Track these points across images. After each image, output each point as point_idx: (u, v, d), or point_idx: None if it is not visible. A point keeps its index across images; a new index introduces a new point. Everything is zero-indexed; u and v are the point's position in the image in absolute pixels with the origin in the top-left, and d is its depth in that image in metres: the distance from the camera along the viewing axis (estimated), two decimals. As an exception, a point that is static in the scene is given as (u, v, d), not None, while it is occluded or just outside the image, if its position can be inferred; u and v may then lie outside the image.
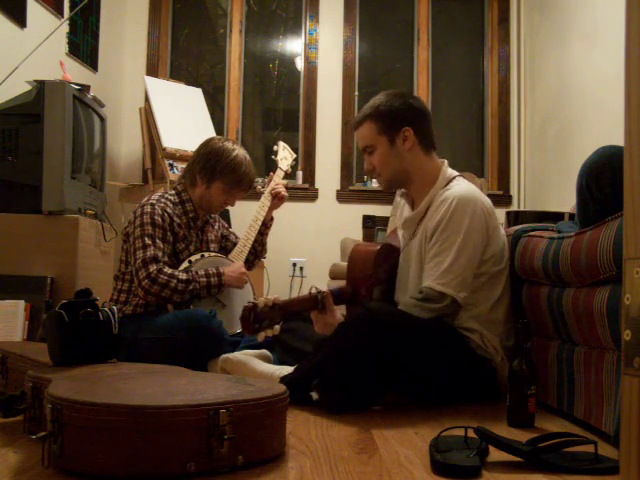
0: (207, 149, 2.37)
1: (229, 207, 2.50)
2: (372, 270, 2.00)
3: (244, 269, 2.40)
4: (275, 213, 2.59)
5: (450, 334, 1.84)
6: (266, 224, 2.55)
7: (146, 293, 2.18)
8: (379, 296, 2.03)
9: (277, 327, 1.83)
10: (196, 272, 2.26)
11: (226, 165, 2.33)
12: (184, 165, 2.51)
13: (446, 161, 2.05)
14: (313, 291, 1.93)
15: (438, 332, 1.80)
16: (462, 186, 1.93)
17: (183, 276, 2.22)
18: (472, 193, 1.90)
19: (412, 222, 2.01)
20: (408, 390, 1.84)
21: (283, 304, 1.84)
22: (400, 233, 2.14)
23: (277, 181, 2.54)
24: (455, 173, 2.01)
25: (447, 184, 1.96)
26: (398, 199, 2.22)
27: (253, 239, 2.49)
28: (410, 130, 1.96)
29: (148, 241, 2.20)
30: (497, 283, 1.93)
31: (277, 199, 2.52)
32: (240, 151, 2.37)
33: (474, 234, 1.84)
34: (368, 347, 1.69)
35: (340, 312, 1.96)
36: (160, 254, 2.21)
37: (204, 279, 2.25)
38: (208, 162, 2.33)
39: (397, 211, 2.23)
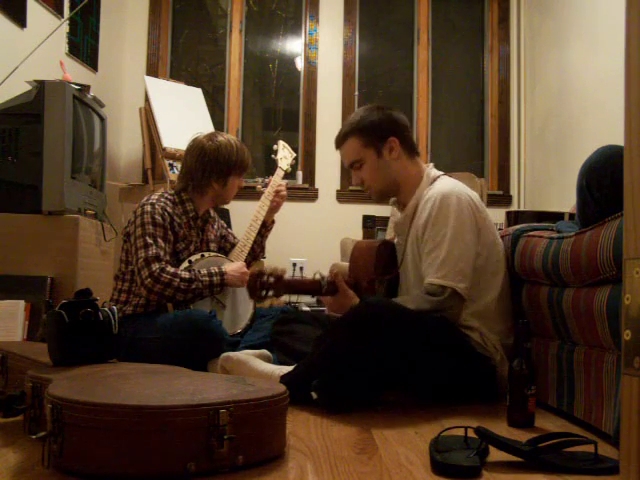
0: (209, 154, 2.35)
1: (228, 207, 2.53)
2: (373, 263, 2.04)
3: (245, 268, 2.41)
4: (276, 213, 2.61)
5: (450, 330, 1.84)
6: (267, 226, 2.58)
7: (149, 292, 2.18)
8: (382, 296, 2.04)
9: (282, 299, 1.89)
10: (198, 271, 2.26)
11: (236, 160, 2.38)
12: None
13: (432, 164, 2.09)
14: (317, 276, 1.99)
15: (438, 327, 1.80)
16: (446, 183, 1.97)
17: (186, 275, 2.22)
18: (455, 188, 1.93)
19: (403, 225, 2.05)
20: (407, 387, 1.84)
21: (288, 282, 2.00)
22: (395, 240, 2.16)
23: (278, 181, 2.57)
24: (439, 173, 2.04)
25: (431, 183, 1.99)
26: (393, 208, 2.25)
27: (253, 239, 2.50)
28: (395, 140, 2.00)
29: (149, 240, 2.21)
30: (493, 279, 1.94)
31: (278, 197, 2.54)
32: (231, 139, 2.42)
33: (463, 225, 1.86)
34: (366, 340, 1.69)
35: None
36: (162, 253, 2.21)
37: (207, 278, 2.26)
38: (219, 166, 2.35)
39: (393, 218, 2.26)
